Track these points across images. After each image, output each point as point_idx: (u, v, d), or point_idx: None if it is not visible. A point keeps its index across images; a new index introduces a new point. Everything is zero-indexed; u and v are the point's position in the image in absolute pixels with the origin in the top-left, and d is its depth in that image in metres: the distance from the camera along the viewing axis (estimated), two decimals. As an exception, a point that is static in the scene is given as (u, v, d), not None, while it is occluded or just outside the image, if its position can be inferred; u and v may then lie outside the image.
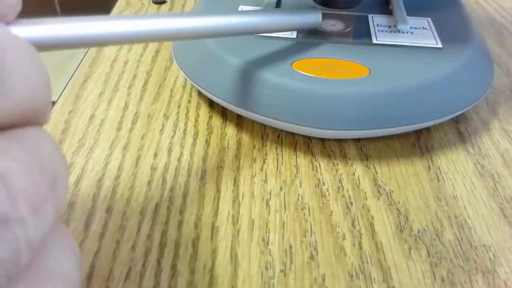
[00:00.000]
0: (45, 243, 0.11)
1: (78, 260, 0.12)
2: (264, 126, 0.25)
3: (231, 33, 0.21)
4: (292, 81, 0.22)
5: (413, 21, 0.26)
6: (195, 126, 0.25)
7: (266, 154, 0.23)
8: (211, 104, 0.26)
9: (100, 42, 0.15)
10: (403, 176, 0.22)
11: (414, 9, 0.27)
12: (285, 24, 0.23)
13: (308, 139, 0.24)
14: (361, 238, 0.19)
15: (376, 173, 0.22)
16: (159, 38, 0.17)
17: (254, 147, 0.23)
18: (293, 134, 0.24)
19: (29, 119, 0.11)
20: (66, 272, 0.11)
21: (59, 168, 0.11)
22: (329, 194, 0.21)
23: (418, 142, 0.24)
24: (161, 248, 0.19)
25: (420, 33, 0.25)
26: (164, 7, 0.36)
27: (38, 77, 0.10)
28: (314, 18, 0.24)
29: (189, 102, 0.26)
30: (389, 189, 0.21)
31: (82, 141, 0.24)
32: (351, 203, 0.21)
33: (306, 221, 0.20)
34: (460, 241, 0.19)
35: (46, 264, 0.11)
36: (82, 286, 0.17)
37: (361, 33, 0.25)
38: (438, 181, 0.22)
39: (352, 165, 0.23)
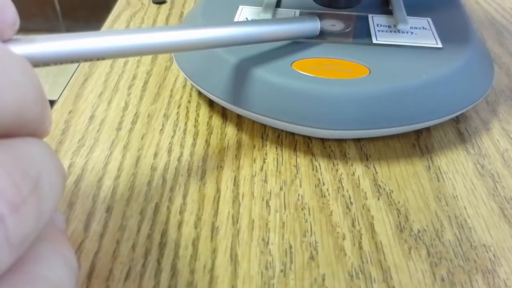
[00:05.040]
0: (34, 248, 0.11)
1: (74, 274, 0.12)
2: (264, 126, 0.25)
3: (227, 44, 0.21)
4: (292, 81, 0.22)
5: (413, 21, 0.26)
6: (195, 126, 0.25)
7: (266, 154, 0.23)
8: (211, 104, 0.26)
9: (90, 57, 0.16)
10: (403, 176, 0.22)
11: (414, 9, 0.27)
12: (283, 35, 0.23)
13: (308, 139, 0.24)
14: (361, 238, 0.19)
15: (376, 173, 0.22)
16: (147, 52, 0.18)
17: (254, 147, 0.23)
18: (293, 134, 0.24)
19: (21, 129, 0.11)
20: (58, 282, 0.11)
21: (48, 174, 0.11)
22: (329, 194, 0.21)
23: (418, 142, 0.24)
24: (161, 248, 0.19)
25: (420, 33, 0.25)
26: (164, 7, 0.36)
27: (28, 88, 0.10)
28: (312, 27, 0.24)
29: (189, 102, 0.26)
30: (389, 189, 0.21)
31: (82, 141, 0.24)
32: (351, 203, 0.21)
33: (306, 221, 0.20)
34: (460, 241, 0.19)
35: (36, 270, 0.11)
36: (82, 286, 0.17)
37: (361, 33, 0.25)
38: (438, 181, 0.22)
39: (352, 165, 0.23)
